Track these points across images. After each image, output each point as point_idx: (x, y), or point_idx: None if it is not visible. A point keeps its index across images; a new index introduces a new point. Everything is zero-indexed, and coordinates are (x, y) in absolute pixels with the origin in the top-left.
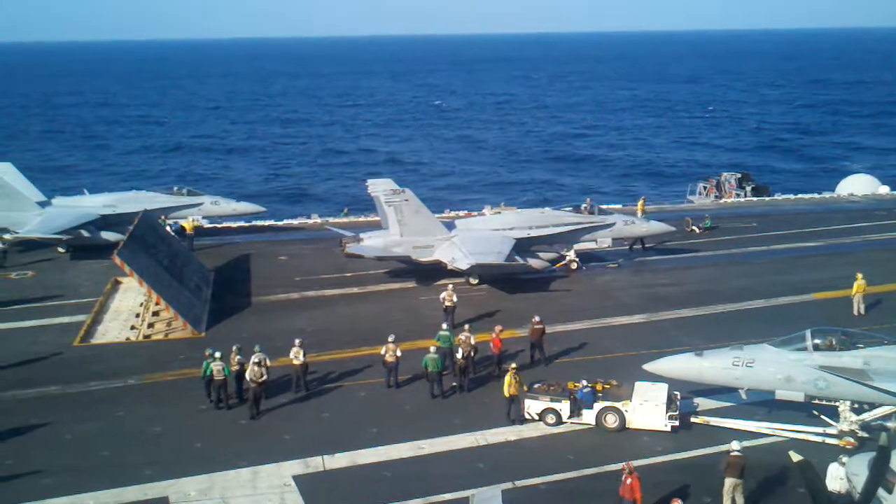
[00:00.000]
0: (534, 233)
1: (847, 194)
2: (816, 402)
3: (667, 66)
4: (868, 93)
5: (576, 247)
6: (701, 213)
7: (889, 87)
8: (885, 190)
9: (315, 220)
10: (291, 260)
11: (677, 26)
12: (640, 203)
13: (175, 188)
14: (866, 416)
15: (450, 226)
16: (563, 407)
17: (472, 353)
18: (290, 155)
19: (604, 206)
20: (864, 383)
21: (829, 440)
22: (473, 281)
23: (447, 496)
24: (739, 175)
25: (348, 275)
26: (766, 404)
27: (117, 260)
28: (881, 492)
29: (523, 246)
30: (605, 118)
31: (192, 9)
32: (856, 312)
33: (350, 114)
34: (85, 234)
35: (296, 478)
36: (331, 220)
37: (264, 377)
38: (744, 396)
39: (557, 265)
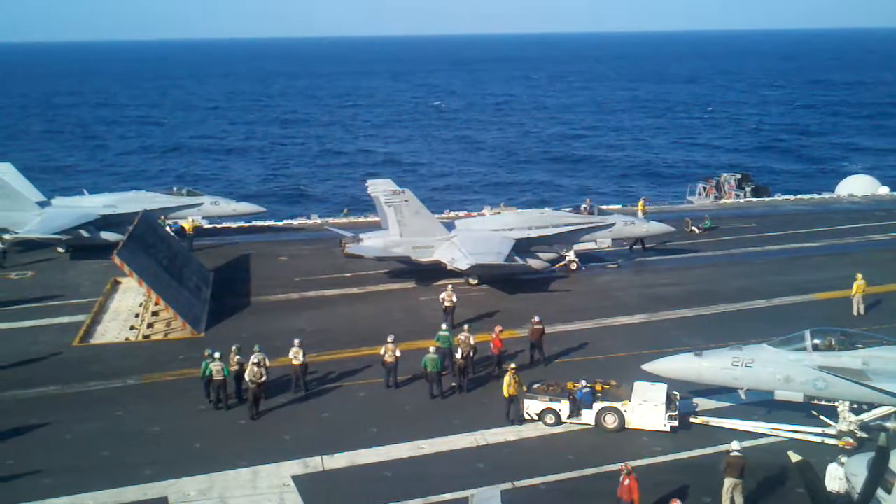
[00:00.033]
0: (533, 233)
1: (847, 195)
2: (815, 402)
3: (667, 66)
4: (868, 93)
5: (575, 247)
6: (700, 214)
7: (889, 88)
8: (884, 190)
9: (315, 220)
10: (291, 260)
11: (677, 27)
12: (640, 203)
13: (175, 188)
14: (865, 417)
15: (449, 226)
16: (563, 407)
17: (472, 354)
18: (289, 155)
19: (603, 207)
20: (863, 384)
21: (828, 440)
22: (473, 281)
23: (446, 496)
24: (739, 176)
25: (348, 275)
26: (765, 404)
27: (117, 260)
28: (880, 492)
29: (523, 246)
30: (604, 119)
31: (192, 9)
32: (855, 313)
33: (349, 114)
34: (85, 234)
35: (295, 478)
36: (330, 220)
37: (263, 378)
38: (743, 397)
39: (557, 265)
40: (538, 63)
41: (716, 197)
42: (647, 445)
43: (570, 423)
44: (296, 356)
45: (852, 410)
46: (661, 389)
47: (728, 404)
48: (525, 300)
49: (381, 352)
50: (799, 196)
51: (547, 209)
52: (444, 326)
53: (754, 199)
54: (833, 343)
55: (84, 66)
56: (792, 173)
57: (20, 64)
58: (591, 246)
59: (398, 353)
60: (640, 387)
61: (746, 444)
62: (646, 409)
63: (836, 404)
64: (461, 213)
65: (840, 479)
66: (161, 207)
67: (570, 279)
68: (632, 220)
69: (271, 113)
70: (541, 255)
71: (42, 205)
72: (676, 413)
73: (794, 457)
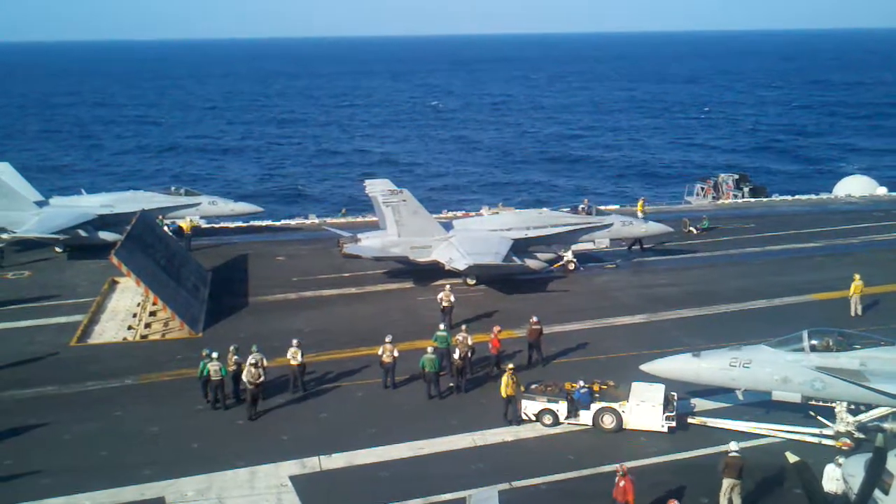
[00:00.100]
0: (532, 233)
1: (844, 195)
2: (813, 403)
3: (666, 66)
4: (866, 94)
5: (574, 247)
6: (699, 214)
7: (887, 88)
8: (882, 191)
9: (313, 220)
10: (289, 260)
11: (677, 27)
12: (639, 204)
13: (173, 188)
14: (863, 418)
15: (447, 226)
16: (561, 407)
17: (470, 354)
18: (286, 155)
19: (601, 207)
20: (861, 384)
21: (825, 441)
22: (471, 281)
23: (444, 497)
24: (737, 176)
25: (346, 275)
26: (763, 405)
27: (115, 260)
28: (877, 493)
29: (521, 246)
30: (601, 119)
31: (192, 9)
32: (853, 313)
33: (347, 114)
34: (82, 233)
35: (293, 478)
36: (328, 220)
37: (261, 378)
38: (741, 397)
39: (555, 266)
40: (538, 63)
41: (714, 197)
42: (645, 446)
43: (568, 423)
44: (294, 356)
45: (850, 411)
46: (658, 390)
47: (726, 405)
48: (523, 300)
49: (379, 352)
50: (797, 197)
51: (545, 209)
52: (441, 327)
53: (752, 200)
54: (831, 344)
55: (84, 66)
56: (789, 174)
57: (20, 63)
58: (589, 246)
59: (396, 354)
60: (637, 387)
61: (744, 444)
62: (644, 409)
63: (834, 405)
64: (459, 214)
65: (837, 479)
66: (159, 207)
67: (569, 279)
68: (630, 220)
69: (269, 113)
70: (539, 255)
71: (40, 204)
72: (674, 413)
73: (792, 457)
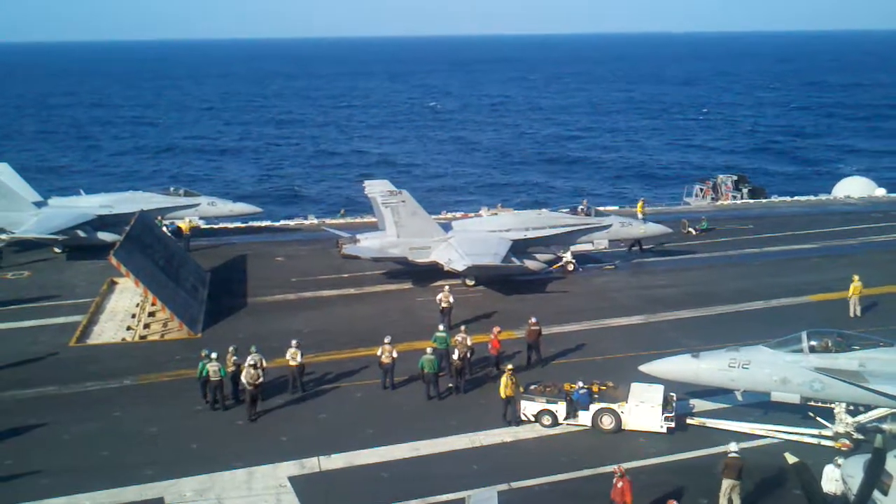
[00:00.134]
0: (530, 234)
1: (843, 196)
2: (812, 403)
3: (665, 67)
4: (864, 95)
5: (572, 248)
6: (697, 215)
7: (886, 89)
8: (881, 192)
9: (312, 221)
10: (288, 261)
11: (677, 28)
12: (639, 205)
13: (172, 189)
14: (862, 418)
15: (446, 227)
16: (560, 408)
17: (469, 355)
18: (284, 155)
19: (600, 208)
20: (860, 385)
21: (824, 442)
22: (470, 282)
23: (443, 497)
24: (736, 177)
25: (345, 276)
26: (761, 406)
27: (114, 260)
28: (876, 494)
29: (520, 247)
30: (599, 120)
31: (192, 9)
32: (852, 314)
33: (344, 115)
34: (81, 234)
35: (291, 479)
36: (327, 220)
37: (260, 379)
38: (740, 398)
39: (554, 266)
40: (537, 64)
41: (713, 198)
42: (644, 447)
43: (567, 424)
44: (293, 357)
45: (849, 412)
46: (657, 391)
47: (725, 406)
48: (522, 301)
49: (378, 353)
50: (796, 198)
51: (544, 210)
52: (440, 327)
53: (751, 201)
54: (830, 345)
55: (84, 67)
56: (787, 175)
57: (20, 64)
58: (588, 247)
59: (395, 354)
60: (636, 388)
61: (743, 445)
62: (642, 410)
63: (833, 406)
64: (458, 214)
65: (836, 480)
66: (158, 208)
67: (567, 280)
68: (629, 221)
69: (266, 113)
70: (538, 256)
71: (38, 205)
72: (673, 414)
73: (791, 458)
